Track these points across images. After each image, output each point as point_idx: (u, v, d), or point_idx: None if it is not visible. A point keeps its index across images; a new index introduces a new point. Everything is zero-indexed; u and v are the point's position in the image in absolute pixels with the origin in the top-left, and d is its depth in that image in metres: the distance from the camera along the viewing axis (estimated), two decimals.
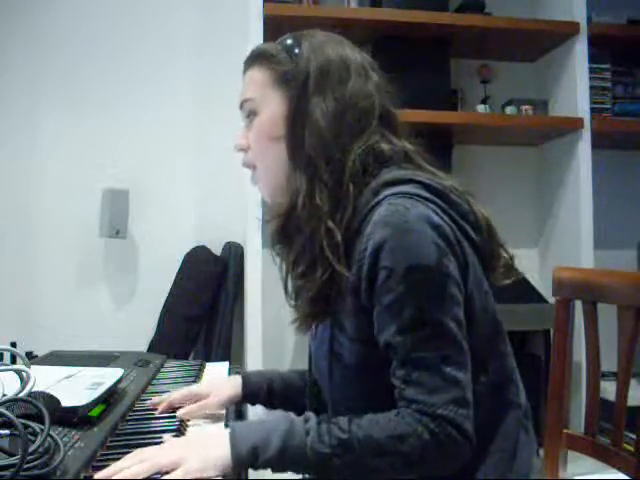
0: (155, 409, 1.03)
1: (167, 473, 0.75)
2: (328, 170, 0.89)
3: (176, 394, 1.05)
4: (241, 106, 1.00)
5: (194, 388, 1.08)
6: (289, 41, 0.97)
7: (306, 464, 0.80)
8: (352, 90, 0.93)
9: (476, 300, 0.88)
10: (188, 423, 0.98)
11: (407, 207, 0.84)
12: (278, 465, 0.80)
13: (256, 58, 0.99)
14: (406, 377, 0.82)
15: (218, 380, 1.17)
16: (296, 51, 0.95)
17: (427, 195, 0.87)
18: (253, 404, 1.13)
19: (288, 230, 0.92)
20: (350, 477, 0.82)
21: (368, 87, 0.94)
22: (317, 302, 0.90)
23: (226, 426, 0.97)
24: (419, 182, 0.89)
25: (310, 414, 0.85)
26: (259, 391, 1.10)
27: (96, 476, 0.73)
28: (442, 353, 0.81)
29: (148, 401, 1.06)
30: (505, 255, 0.96)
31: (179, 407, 1.02)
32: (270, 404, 1.12)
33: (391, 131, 0.96)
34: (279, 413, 0.89)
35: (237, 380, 1.10)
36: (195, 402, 1.03)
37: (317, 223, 0.88)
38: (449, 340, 0.82)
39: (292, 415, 0.85)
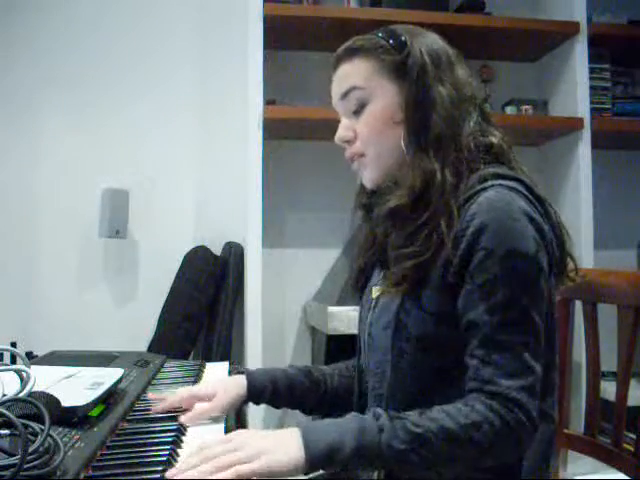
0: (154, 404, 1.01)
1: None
2: (454, 150, 0.94)
3: (177, 398, 1.01)
4: (345, 95, 1.02)
5: (196, 390, 1.04)
6: (384, 34, 1.00)
7: (383, 461, 0.80)
8: (460, 77, 0.99)
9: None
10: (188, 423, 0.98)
11: (513, 198, 0.88)
12: (354, 464, 0.80)
13: (356, 50, 1.01)
14: (485, 357, 0.83)
15: (221, 380, 1.14)
16: (399, 42, 0.98)
17: (529, 197, 0.91)
18: (257, 404, 1.11)
19: (412, 208, 0.94)
20: (427, 470, 0.83)
21: (467, 76, 1.01)
22: (419, 269, 0.91)
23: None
24: (524, 183, 0.92)
25: (379, 410, 0.84)
26: (264, 390, 1.09)
27: (167, 474, 0.73)
28: (524, 340, 0.83)
29: (149, 394, 1.05)
30: (571, 267, 0.98)
31: (179, 408, 1.00)
32: (275, 403, 1.11)
33: (484, 118, 1.00)
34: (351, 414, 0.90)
35: (241, 380, 1.08)
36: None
37: (445, 200, 0.91)
38: (532, 329, 0.84)
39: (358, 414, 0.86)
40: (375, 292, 1.02)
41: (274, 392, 1.09)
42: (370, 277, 1.09)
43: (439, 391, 0.89)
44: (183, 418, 0.96)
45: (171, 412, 0.99)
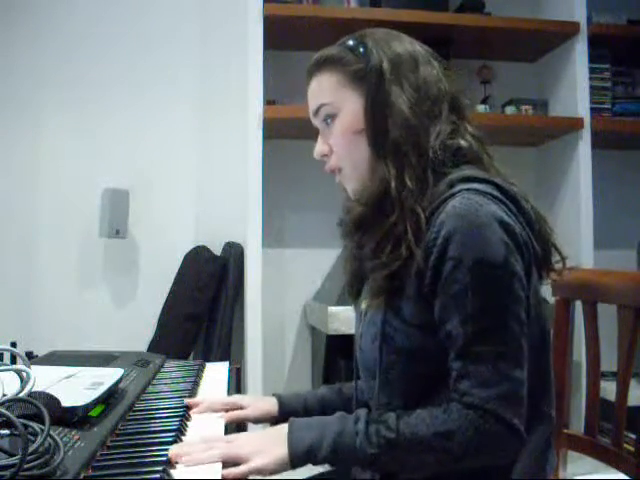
0: (189, 407, 1.03)
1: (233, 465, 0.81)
2: (415, 155, 0.92)
3: (217, 401, 1.07)
4: (316, 112, 1.02)
5: (235, 398, 1.11)
6: (351, 42, 0.99)
7: (357, 463, 0.86)
8: (424, 78, 0.96)
9: (531, 307, 0.89)
10: (188, 423, 0.98)
11: (480, 204, 0.86)
12: (332, 463, 0.86)
13: (323, 63, 1.00)
14: (462, 370, 0.83)
15: (258, 396, 1.17)
16: (362, 49, 0.97)
17: (501, 197, 0.89)
18: None
19: (374, 216, 0.93)
20: (399, 471, 0.86)
21: (435, 74, 0.97)
22: (393, 279, 0.91)
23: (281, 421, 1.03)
24: (494, 184, 0.91)
25: (361, 413, 0.87)
26: (296, 409, 1.11)
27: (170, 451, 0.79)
28: (500, 349, 0.83)
29: (185, 400, 1.05)
30: (558, 263, 0.97)
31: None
32: None
33: (459, 115, 0.98)
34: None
35: (273, 400, 1.12)
36: (233, 410, 1.05)
37: (407, 205, 0.90)
38: (508, 337, 0.84)
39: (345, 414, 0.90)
40: (364, 304, 1.02)
41: (306, 412, 1.10)
42: (362, 285, 1.08)
43: (428, 399, 0.89)
44: (196, 410, 1.02)
45: (176, 411, 1.00)
